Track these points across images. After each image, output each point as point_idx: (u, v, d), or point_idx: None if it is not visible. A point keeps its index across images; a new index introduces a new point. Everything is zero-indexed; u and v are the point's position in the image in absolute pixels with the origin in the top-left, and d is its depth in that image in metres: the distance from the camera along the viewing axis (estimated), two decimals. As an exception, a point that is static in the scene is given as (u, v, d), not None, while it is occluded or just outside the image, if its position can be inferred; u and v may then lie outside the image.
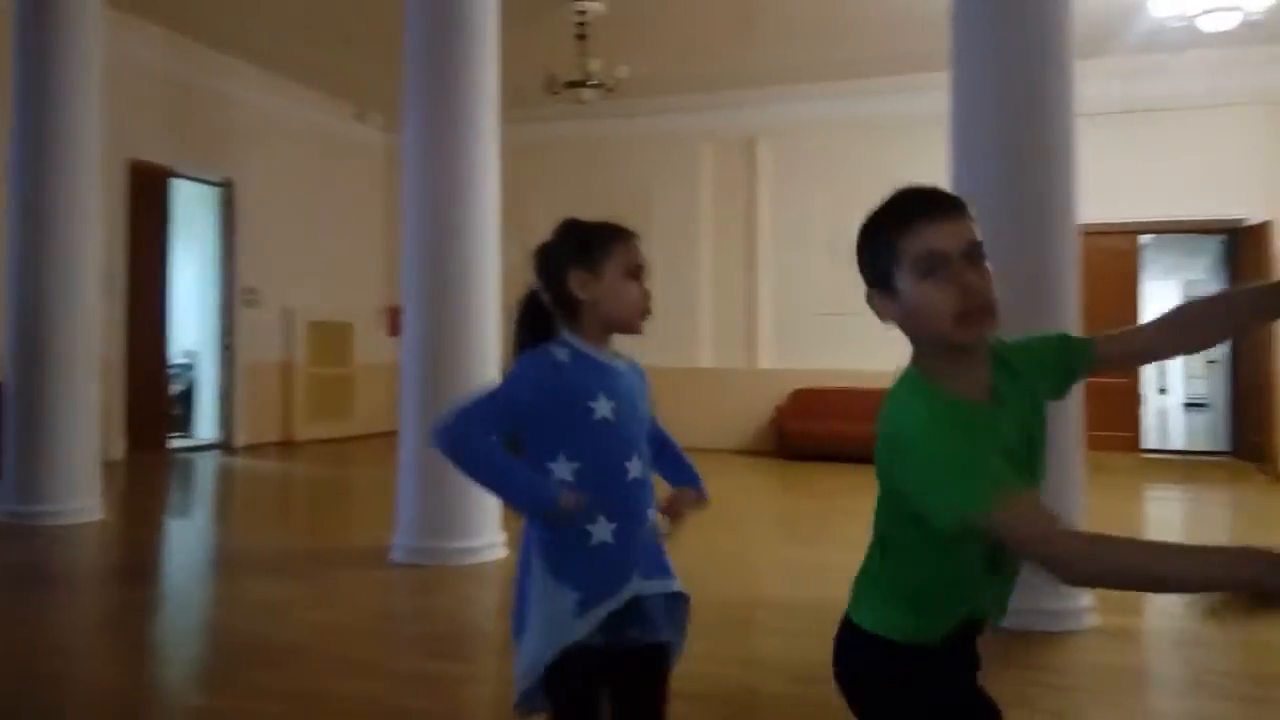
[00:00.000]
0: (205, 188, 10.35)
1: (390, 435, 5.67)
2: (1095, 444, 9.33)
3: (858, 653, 1.45)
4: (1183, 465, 10.01)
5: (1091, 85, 9.15)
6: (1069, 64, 4.21)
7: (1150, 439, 12.17)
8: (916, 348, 1.35)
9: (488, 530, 5.14)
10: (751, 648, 3.88)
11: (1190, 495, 8.61)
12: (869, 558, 1.47)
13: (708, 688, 3.23)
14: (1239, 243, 9.83)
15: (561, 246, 1.82)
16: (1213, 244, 11.39)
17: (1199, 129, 9.25)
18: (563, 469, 1.75)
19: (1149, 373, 18.93)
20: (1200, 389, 14.00)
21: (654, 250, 8.63)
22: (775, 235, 10.96)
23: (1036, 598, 3.79)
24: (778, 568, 5.36)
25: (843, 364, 10.27)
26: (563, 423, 1.76)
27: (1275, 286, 1.36)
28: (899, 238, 1.31)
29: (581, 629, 1.73)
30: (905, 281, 1.30)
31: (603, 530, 1.74)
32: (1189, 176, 9.26)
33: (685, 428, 12.77)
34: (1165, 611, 4.78)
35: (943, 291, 1.27)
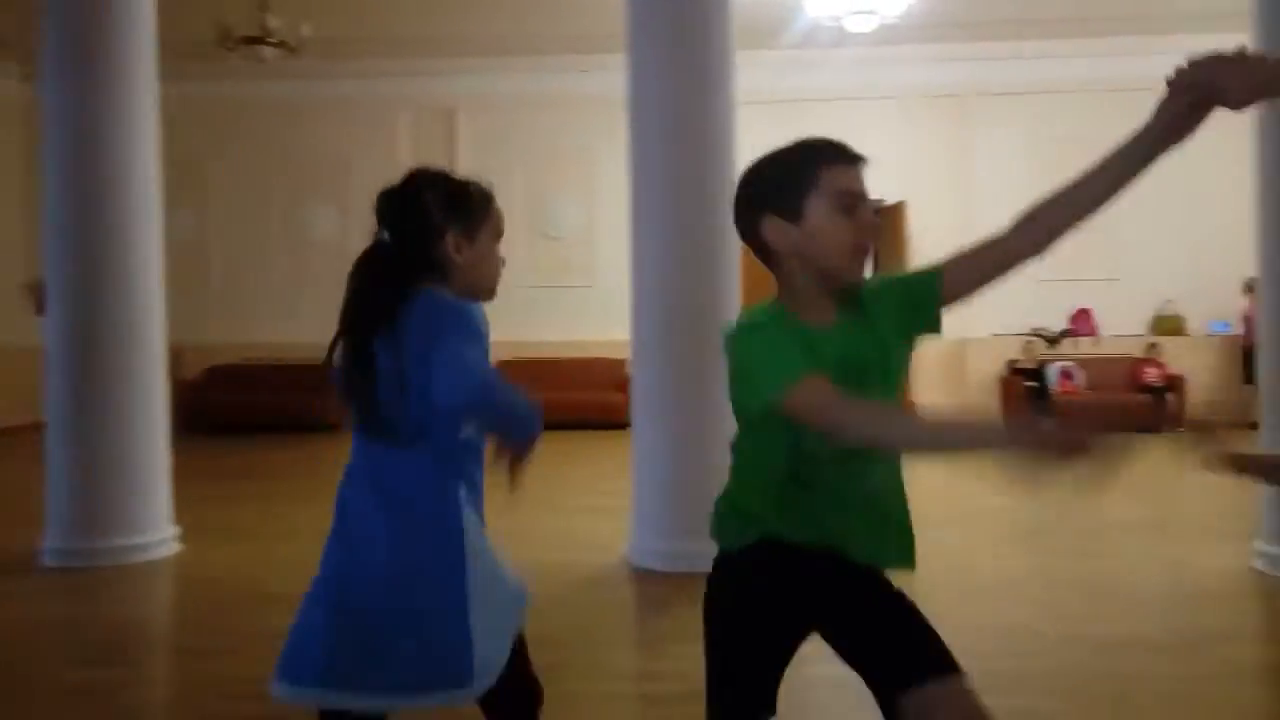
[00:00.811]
0: None
1: (39, 427, 5.03)
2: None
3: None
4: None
5: (757, 75, 10.00)
6: (730, 54, 4.59)
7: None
8: (785, 281, 1.48)
9: (155, 524, 4.74)
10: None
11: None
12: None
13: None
14: (881, 220, 11.26)
15: (438, 203, 1.66)
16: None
17: (848, 119, 10.38)
18: (468, 425, 1.61)
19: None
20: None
21: (353, 221, 8.42)
22: (478, 207, 10.95)
23: (699, 541, 4.18)
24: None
25: (550, 335, 10.50)
26: None
27: (1137, 140, 1.37)
28: (825, 170, 1.44)
29: (524, 617, 1.67)
30: (818, 211, 1.43)
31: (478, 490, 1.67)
32: (843, 161, 10.43)
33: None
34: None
35: (850, 227, 1.43)
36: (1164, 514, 5.93)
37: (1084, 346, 10.06)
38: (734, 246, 4.57)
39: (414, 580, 1.54)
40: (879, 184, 9.76)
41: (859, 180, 1.46)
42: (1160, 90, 1.32)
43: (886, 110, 10.38)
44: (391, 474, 1.58)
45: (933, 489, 7.26)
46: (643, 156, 4.58)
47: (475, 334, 1.56)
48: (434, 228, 1.64)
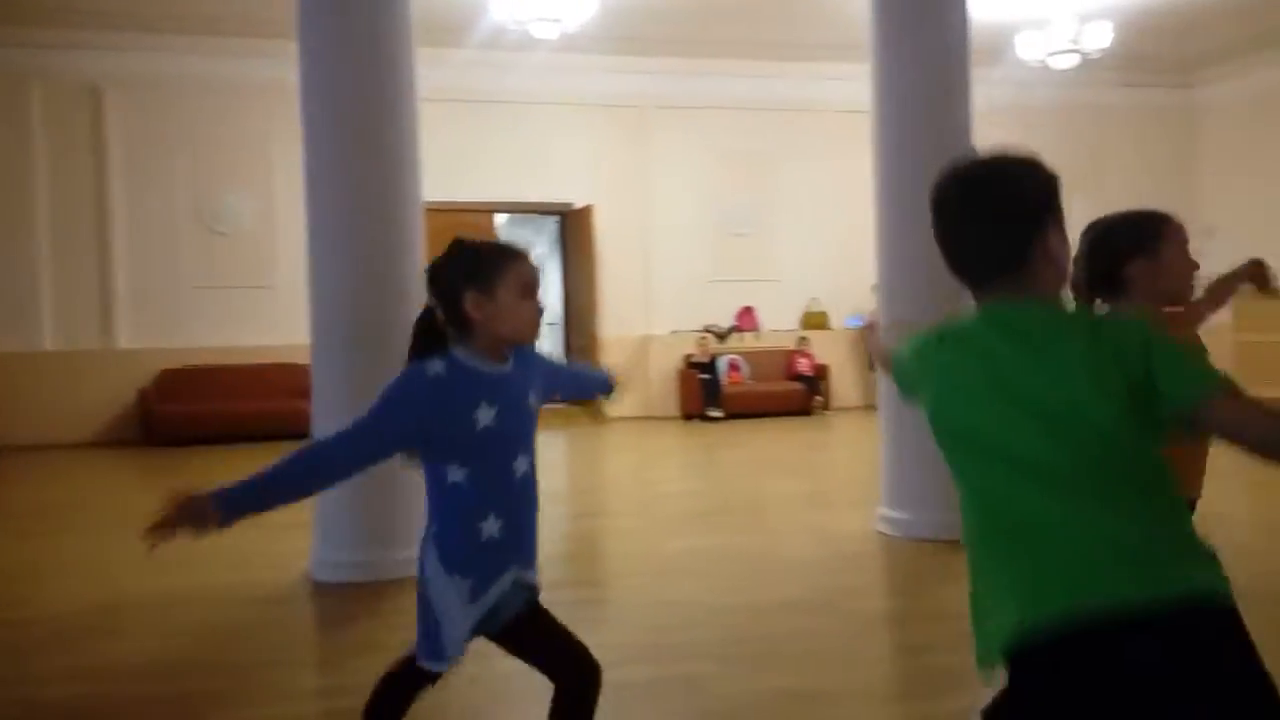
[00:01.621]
0: None
1: None
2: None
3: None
4: (535, 414, 11.58)
5: (443, 73, 9.92)
6: (410, 49, 4.49)
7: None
8: (1044, 291, 1.40)
9: None
10: (103, 655, 3.53)
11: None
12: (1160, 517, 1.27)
13: (42, 712, 2.91)
14: (569, 223, 11.65)
15: (454, 267, 1.90)
16: (552, 223, 13.27)
17: (536, 122, 10.67)
18: (456, 474, 1.90)
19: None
20: (549, 348, 16.32)
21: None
22: (131, 199, 9.82)
23: (381, 549, 4.13)
24: (136, 566, 4.92)
25: (217, 340, 9.73)
26: (449, 435, 1.87)
27: None
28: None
29: (474, 614, 1.91)
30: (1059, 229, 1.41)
31: (492, 526, 1.91)
32: (532, 163, 10.65)
33: (29, 422, 10.83)
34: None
35: None
36: (813, 488, 6.72)
37: (748, 341, 11.10)
38: (418, 246, 4.52)
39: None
40: (567, 188, 10.12)
41: None
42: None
43: (572, 116, 10.75)
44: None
45: (617, 476, 7.67)
46: (317, 151, 4.40)
47: (378, 410, 1.88)
48: (455, 290, 1.88)
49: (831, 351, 11.16)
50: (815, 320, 11.41)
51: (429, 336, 1.95)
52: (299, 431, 4.78)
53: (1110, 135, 11.87)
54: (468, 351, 1.91)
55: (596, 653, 3.36)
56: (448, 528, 1.93)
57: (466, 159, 10.19)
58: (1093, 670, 1.17)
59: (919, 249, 4.98)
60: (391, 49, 4.43)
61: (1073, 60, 9.56)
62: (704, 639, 3.46)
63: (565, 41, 9.21)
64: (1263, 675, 1.18)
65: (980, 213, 1.40)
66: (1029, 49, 9.53)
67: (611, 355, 10.68)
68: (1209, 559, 1.25)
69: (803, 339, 11.12)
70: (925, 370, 1.45)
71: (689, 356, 10.76)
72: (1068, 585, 1.20)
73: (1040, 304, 1.38)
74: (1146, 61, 11.28)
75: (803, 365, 10.89)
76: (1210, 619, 1.18)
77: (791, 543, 5.04)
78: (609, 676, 3.10)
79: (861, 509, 5.35)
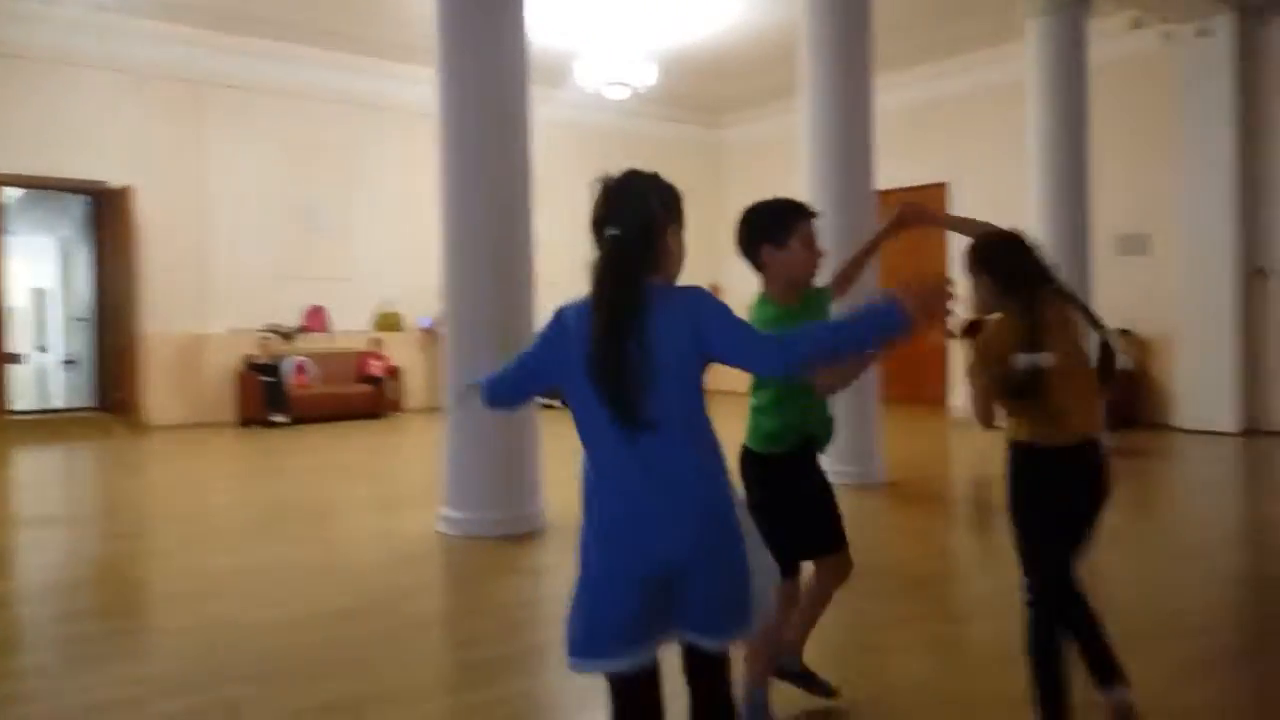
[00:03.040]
0: None
1: None
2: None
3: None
4: (54, 423, 10.03)
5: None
6: None
7: (30, 398, 11.82)
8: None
9: None
10: None
11: (60, 452, 8.70)
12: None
13: None
14: (103, 204, 10.23)
15: (659, 200, 1.87)
16: (81, 203, 11.56)
17: (66, 86, 9.21)
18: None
19: (27, 331, 18.22)
20: (76, 347, 14.10)
21: None
22: None
23: None
24: None
25: None
26: None
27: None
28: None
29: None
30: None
31: None
32: (56, 133, 9.15)
33: None
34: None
35: None
36: (377, 491, 6.65)
37: (317, 342, 10.65)
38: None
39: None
40: (101, 165, 9.00)
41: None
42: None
43: (110, 84, 9.45)
44: (663, 460, 1.72)
45: (158, 491, 6.88)
46: None
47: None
48: (659, 223, 1.83)
49: (404, 353, 11.11)
50: (388, 321, 11.27)
51: (638, 269, 1.82)
52: None
53: (657, 163, 13.11)
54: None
55: (126, 688, 3.02)
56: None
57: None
58: None
59: (479, 253, 5.19)
60: None
61: (624, 92, 10.53)
62: (248, 660, 3.26)
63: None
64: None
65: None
66: (586, 78, 10.31)
67: (158, 353, 9.60)
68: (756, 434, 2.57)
69: (375, 340, 10.92)
70: None
71: (250, 357, 10.02)
72: None
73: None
74: (686, 100, 12.84)
75: (374, 367, 10.70)
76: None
77: (351, 549, 4.94)
78: (142, 713, 2.80)
79: (424, 510, 5.42)
